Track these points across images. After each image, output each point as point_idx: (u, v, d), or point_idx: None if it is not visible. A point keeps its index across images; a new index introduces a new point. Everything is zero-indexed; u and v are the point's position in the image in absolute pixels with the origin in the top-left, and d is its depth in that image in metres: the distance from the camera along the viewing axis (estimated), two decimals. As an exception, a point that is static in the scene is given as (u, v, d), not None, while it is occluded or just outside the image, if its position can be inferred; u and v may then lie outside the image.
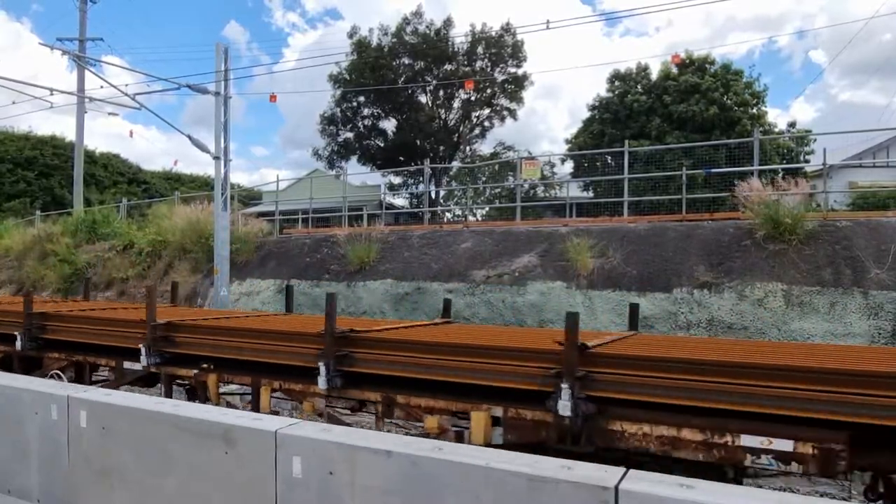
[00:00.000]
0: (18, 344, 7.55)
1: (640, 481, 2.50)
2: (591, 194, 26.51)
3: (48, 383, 4.53)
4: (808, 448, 3.56)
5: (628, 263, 12.29)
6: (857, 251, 10.68)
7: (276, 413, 5.56)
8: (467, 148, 38.80)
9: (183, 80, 17.12)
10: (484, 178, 34.88)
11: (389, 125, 36.67)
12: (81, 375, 7.94)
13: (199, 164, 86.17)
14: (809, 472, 3.63)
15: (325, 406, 5.55)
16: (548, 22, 16.06)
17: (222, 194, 15.69)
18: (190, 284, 16.39)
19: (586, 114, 29.13)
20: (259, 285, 15.48)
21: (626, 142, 18.38)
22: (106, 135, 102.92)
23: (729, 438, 3.76)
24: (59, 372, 7.53)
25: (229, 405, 6.74)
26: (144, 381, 7.20)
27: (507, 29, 33.14)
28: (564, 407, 4.03)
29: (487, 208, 29.18)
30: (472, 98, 35.15)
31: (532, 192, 30.24)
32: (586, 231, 13.45)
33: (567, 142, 31.39)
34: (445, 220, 26.79)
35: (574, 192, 27.32)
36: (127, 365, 6.85)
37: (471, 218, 26.73)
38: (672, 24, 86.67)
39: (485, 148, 39.43)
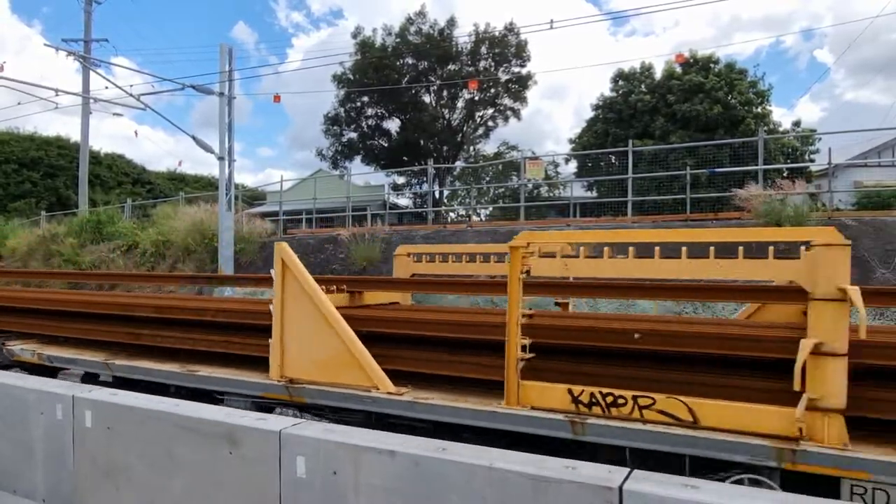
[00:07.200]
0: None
1: (645, 481, 2.49)
2: (594, 194, 26.48)
3: (53, 383, 4.55)
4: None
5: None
6: (862, 251, 10.63)
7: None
8: (471, 148, 38.84)
9: (190, 81, 17.16)
10: (488, 178, 34.88)
11: (393, 125, 36.74)
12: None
13: (205, 165, 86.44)
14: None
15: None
16: (552, 21, 16.05)
17: (227, 195, 15.73)
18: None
19: (591, 114, 29.13)
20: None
21: (630, 141, 18.35)
22: (112, 136, 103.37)
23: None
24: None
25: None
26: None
27: (510, 29, 33.13)
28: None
29: (491, 208, 29.16)
30: (476, 98, 35.15)
31: (536, 191, 30.20)
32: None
33: (571, 141, 31.40)
34: (449, 220, 26.79)
35: (578, 191, 27.29)
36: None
37: (474, 218, 26.69)
38: (679, 24, 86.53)
39: (489, 148, 39.51)
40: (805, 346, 3.11)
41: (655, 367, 3.79)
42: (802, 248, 3.38)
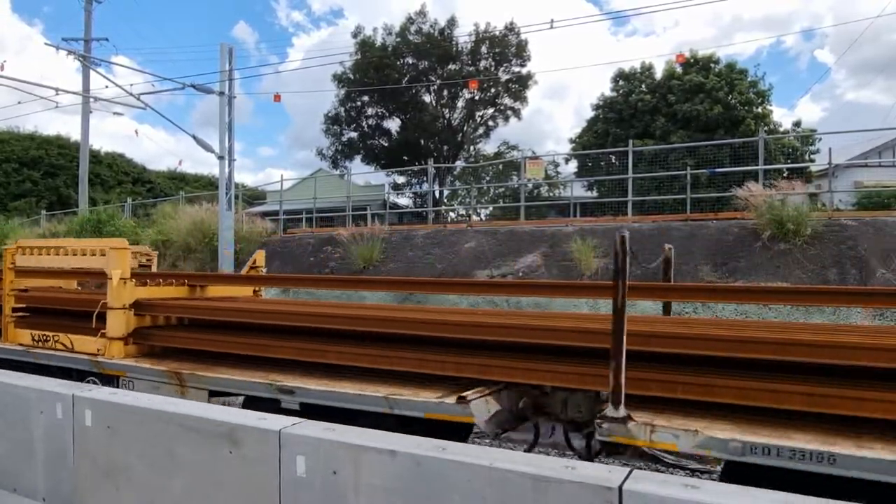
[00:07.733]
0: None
1: (645, 481, 2.49)
2: (595, 194, 26.46)
3: (53, 382, 4.54)
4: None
5: (632, 263, 12.25)
6: (862, 251, 10.63)
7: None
8: (471, 147, 38.79)
9: (191, 80, 17.15)
10: (488, 178, 34.85)
11: (393, 125, 36.70)
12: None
13: (206, 165, 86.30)
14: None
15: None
16: (552, 21, 16.06)
17: (227, 194, 15.73)
18: (194, 284, 16.44)
19: (591, 113, 29.10)
20: (263, 285, 15.50)
21: (631, 141, 18.35)
22: (112, 135, 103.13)
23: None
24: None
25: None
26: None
27: (511, 28, 33.11)
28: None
29: (491, 208, 29.15)
30: (476, 97, 35.12)
31: (536, 191, 30.18)
32: (590, 231, 13.45)
33: (571, 141, 31.37)
34: (449, 219, 26.77)
35: (578, 191, 27.27)
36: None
37: (475, 217, 26.69)
38: (679, 24, 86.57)
39: (489, 147, 39.45)
40: (101, 304, 5.76)
41: (74, 320, 6.44)
42: (108, 248, 5.77)
